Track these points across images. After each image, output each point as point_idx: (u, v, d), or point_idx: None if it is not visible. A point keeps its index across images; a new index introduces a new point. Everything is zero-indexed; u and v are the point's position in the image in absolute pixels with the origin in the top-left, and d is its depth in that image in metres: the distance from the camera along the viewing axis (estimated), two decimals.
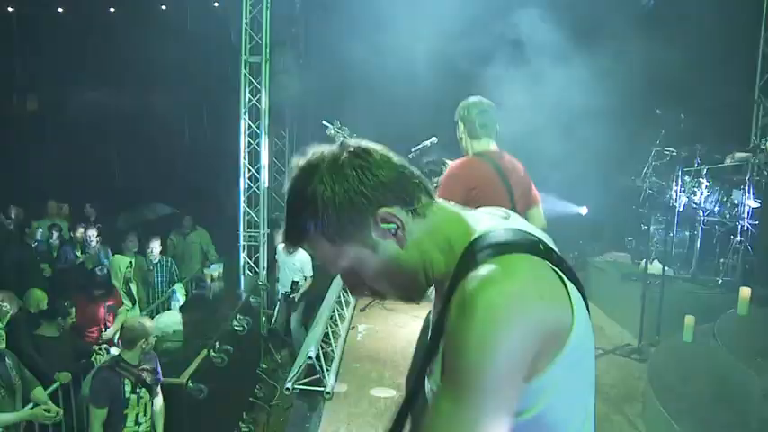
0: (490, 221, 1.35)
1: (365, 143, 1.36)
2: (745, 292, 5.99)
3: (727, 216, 7.92)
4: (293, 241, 1.37)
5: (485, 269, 1.19)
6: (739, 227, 7.63)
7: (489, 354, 1.12)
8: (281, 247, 8.92)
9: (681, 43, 7.93)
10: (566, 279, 1.23)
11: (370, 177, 1.29)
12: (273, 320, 8.99)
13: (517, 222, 1.37)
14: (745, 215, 7.61)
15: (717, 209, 7.99)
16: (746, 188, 7.53)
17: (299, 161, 1.35)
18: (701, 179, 8.01)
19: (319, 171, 1.30)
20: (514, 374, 1.15)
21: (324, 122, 4.05)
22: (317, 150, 1.34)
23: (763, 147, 7.17)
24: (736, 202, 7.89)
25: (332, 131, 4.16)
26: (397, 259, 1.32)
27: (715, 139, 8.41)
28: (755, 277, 6.56)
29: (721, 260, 7.67)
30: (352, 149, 1.32)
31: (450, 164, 3.86)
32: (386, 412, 5.40)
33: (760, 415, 4.27)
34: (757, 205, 7.32)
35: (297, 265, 8.66)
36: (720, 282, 7.49)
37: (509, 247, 1.25)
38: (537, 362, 1.18)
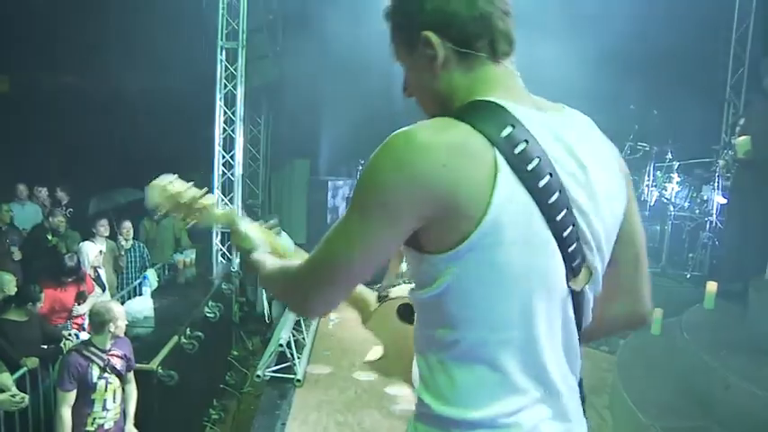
0: (507, 95, 1.34)
1: None
2: (712, 286, 6.10)
3: (697, 212, 8.06)
4: (384, 14, 1.48)
5: (419, 124, 1.28)
6: (708, 222, 7.75)
7: (364, 181, 1.26)
8: None
9: (654, 39, 8.01)
10: (504, 170, 1.22)
11: (438, 1, 1.34)
12: (261, 307, 9.03)
13: (532, 111, 1.34)
14: (714, 211, 7.73)
15: (687, 204, 8.13)
16: (715, 184, 7.65)
17: None
18: (672, 174, 8.13)
19: None
20: (379, 210, 1.23)
21: None
22: None
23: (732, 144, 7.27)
24: (705, 197, 8.03)
25: None
26: (427, 84, 1.40)
27: (687, 135, 8.53)
28: (722, 272, 6.67)
29: (690, 255, 7.80)
30: None
31: None
32: (356, 400, 5.43)
33: (723, 406, 4.35)
34: (725, 201, 7.45)
35: None
36: (689, 276, 7.61)
37: (465, 114, 1.27)
38: (438, 232, 1.23)
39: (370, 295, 1.98)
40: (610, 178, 1.40)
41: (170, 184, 2.03)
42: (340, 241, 1.31)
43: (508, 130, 1.24)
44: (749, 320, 5.53)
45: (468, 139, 1.22)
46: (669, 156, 8.28)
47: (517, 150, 1.23)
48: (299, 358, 5.97)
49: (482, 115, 1.26)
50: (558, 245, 1.28)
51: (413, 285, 1.39)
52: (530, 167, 1.23)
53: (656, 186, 8.23)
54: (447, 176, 1.19)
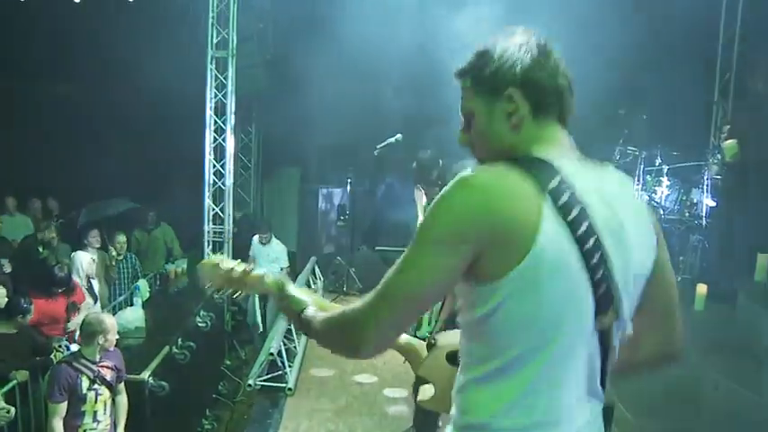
0: (560, 153, 1.54)
1: (550, 44, 1.60)
2: (702, 288, 6.13)
3: (687, 215, 8.09)
4: (462, 71, 1.64)
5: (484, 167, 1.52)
6: (698, 225, 7.79)
7: (434, 216, 1.44)
8: (255, 239, 8.93)
9: (643, 45, 8.07)
10: (548, 215, 1.39)
11: (528, 66, 1.54)
12: (253, 316, 9.02)
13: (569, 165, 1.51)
14: (704, 214, 7.77)
15: (676, 207, 8.16)
16: (704, 187, 7.69)
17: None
18: (661, 178, 8.17)
19: (513, 36, 1.59)
20: (449, 238, 1.41)
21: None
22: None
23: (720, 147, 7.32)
24: (695, 200, 8.06)
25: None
26: (495, 134, 1.58)
27: (676, 139, 8.58)
28: (711, 274, 6.71)
29: (680, 258, 7.82)
30: (542, 42, 1.59)
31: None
32: (347, 408, 5.42)
33: (712, 406, 4.38)
34: (714, 204, 7.49)
35: (272, 255, 8.70)
36: (680, 279, 7.62)
37: (523, 165, 1.47)
38: (489, 263, 1.41)
39: (418, 344, 2.23)
40: (641, 231, 1.59)
41: (220, 263, 2.21)
42: (411, 272, 1.45)
43: (556, 181, 1.43)
44: (738, 322, 5.56)
45: (523, 184, 1.42)
46: (658, 160, 8.32)
47: (561, 200, 1.42)
48: (290, 367, 5.97)
49: (536, 167, 1.46)
50: (591, 285, 1.44)
51: (460, 319, 1.56)
52: (570, 216, 1.41)
53: (645, 190, 8.26)
54: (503, 214, 1.38)
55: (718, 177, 7.48)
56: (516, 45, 1.56)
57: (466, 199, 1.41)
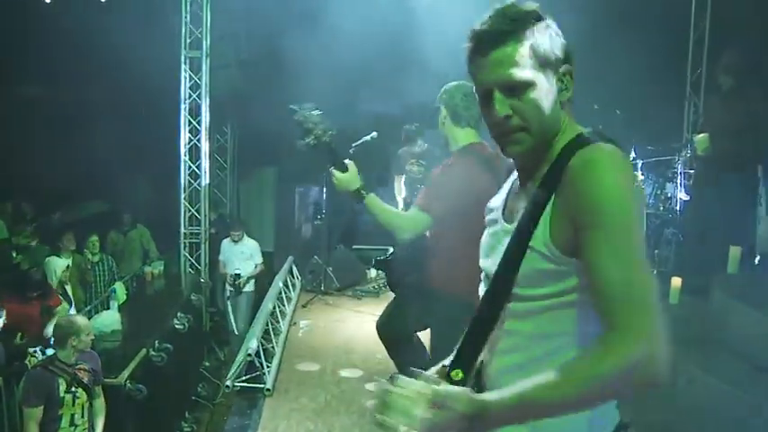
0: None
1: None
2: (677, 281, 6.19)
3: (661, 208, 8.18)
4: (501, 35, 1.50)
5: (600, 145, 1.47)
6: (672, 219, 7.87)
7: (623, 194, 1.36)
8: (226, 241, 8.89)
9: (616, 40, 8.13)
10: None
11: (569, 48, 1.58)
12: (232, 319, 9.01)
13: None
14: (678, 208, 7.86)
15: (651, 201, 8.25)
16: (678, 181, 7.78)
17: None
18: (636, 173, 8.25)
19: (549, 23, 1.56)
20: (638, 212, 1.41)
21: (291, 106, 3.78)
22: None
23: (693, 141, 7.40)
24: (669, 194, 8.16)
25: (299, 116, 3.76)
26: (553, 109, 1.54)
27: (650, 134, 8.67)
28: (685, 268, 6.78)
29: (655, 251, 7.90)
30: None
31: (435, 170, 3.73)
32: (326, 407, 5.42)
33: (687, 400, 4.43)
34: (687, 198, 7.58)
35: (246, 252, 8.68)
36: (655, 272, 7.70)
37: (608, 139, 1.52)
38: None
39: None
40: None
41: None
42: (642, 262, 1.36)
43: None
44: (712, 315, 5.62)
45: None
46: (633, 154, 8.42)
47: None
48: (268, 367, 5.95)
49: (616, 143, 1.50)
50: None
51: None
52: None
53: None
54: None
55: (691, 171, 7.57)
56: (555, 26, 1.58)
57: (629, 172, 1.43)
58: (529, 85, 1.49)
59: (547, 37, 1.52)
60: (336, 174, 3.40)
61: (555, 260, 1.44)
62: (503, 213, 1.68)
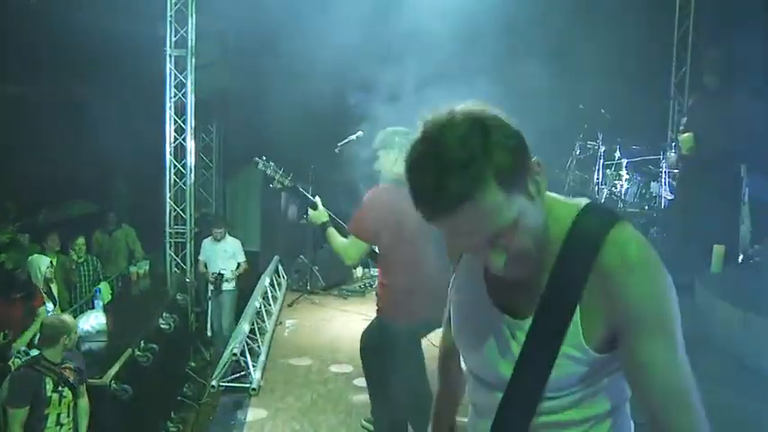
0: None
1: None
2: None
3: (646, 207, 8.25)
4: (455, 198, 1.19)
5: (625, 231, 1.36)
6: (657, 217, 7.94)
7: (671, 297, 1.32)
8: (206, 240, 8.83)
9: (601, 40, 8.17)
10: None
11: (519, 133, 1.28)
12: (209, 320, 8.97)
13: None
14: (662, 206, 7.92)
15: (636, 200, 8.31)
16: (663, 180, 7.84)
17: (438, 120, 1.25)
18: (621, 172, 8.31)
19: (487, 121, 1.24)
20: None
21: (255, 159, 4.52)
22: (447, 112, 1.26)
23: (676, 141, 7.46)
24: (653, 193, 8.23)
25: (261, 166, 4.46)
26: (536, 217, 1.32)
27: (635, 133, 8.74)
28: (669, 266, 6.83)
29: None
30: (490, 113, 1.27)
31: (371, 192, 3.91)
32: (312, 406, 5.41)
33: None
34: (672, 197, 7.64)
35: (229, 251, 8.63)
36: None
37: (620, 215, 1.41)
38: None
39: None
40: None
41: None
42: (689, 369, 1.33)
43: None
44: (696, 313, 5.66)
45: None
46: (618, 154, 8.48)
47: None
48: (254, 367, 5.94)
49: (614, 210, 1.45)
50: None
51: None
52: None
53: (605, 184, 8.41)
54: None
55: (676, 170, 7.63)
56: (497, 120, 1.27)
57: (668, 278, 1.34)
58: (515, 222, 1.26)
59: (507, 153, 1.22)
60: (310, 211, 4.05)
61: (589, 362, 1.35)
62: (490, 299, 1.48)
